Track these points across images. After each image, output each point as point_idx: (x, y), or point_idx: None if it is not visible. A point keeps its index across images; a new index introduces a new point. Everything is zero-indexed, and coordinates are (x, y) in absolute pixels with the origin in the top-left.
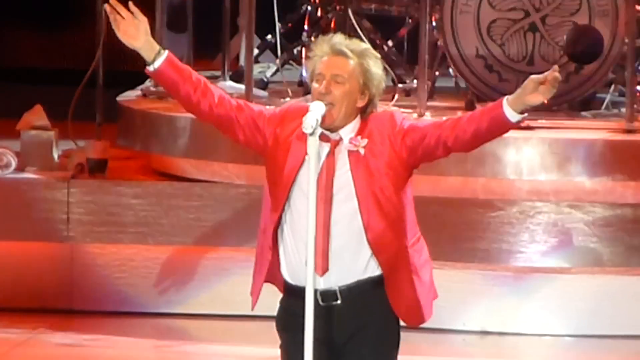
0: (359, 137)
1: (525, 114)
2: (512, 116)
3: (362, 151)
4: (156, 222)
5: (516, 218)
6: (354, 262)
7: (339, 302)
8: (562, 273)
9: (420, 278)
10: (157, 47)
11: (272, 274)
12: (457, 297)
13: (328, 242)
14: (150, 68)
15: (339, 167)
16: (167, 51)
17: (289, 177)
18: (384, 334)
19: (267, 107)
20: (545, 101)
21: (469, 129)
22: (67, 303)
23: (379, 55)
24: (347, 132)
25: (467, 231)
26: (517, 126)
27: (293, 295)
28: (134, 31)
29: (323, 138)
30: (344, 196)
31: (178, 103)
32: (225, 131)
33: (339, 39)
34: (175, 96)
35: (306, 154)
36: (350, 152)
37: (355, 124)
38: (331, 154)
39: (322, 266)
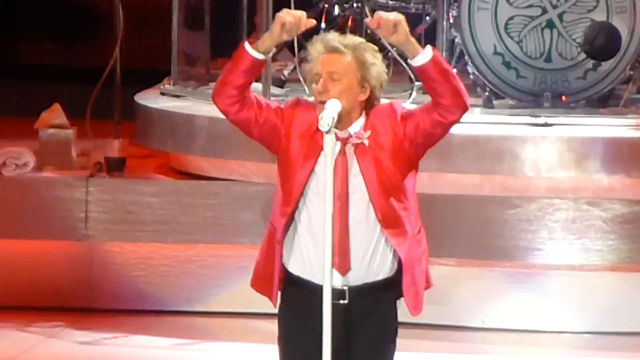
0: (361, 130)
1: (428, 46)
2: (421, 58)
3: (366, 142)
4: (174, 220)
5: (534, 215)
6: (371, 262)
7: (345, 301)
8: (581, 270)
9: (421, 267)
10: (272, 50)
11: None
12: (475, 295)
13: (348, 242)
14: (253, 53)
15: (351, 164)
16: (270, 55)
17: (304, 174)
18: (385, 335)
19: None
20: (402, 20)
21: (436, 96)
22: (86, 301)
23: (376, 47)
24: (355, 129)
25: (485, 228)
26: (438, 57)
27: (300, 288)
28: (290, 28)
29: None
30: (360, 193)
31: (220, 85)
32: (237, 126)
33: (332, 36)
34: (225, 80)
35: (321, 150)
36: (356, 146)
37: (362, 120)
38: (342, 152)
39: (345, 266)
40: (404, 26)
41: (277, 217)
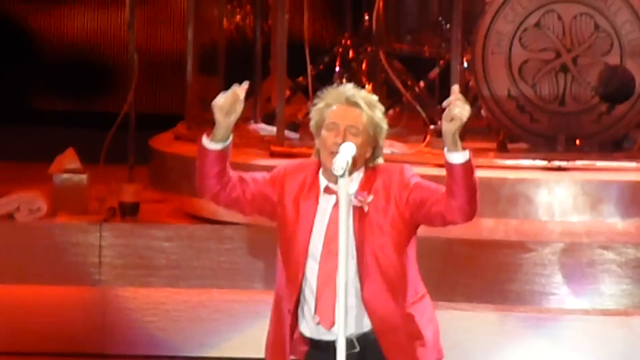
0: (365, 193)
1: (467, 151)
2: (455, 157)
3: (366, 208)
4: (188, 265)
5: (548, 259)
6: (361, 314)
7: (357, 349)
8: (595, 315)
9: (423, 338)
10: (230, 133)
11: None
12: (489, 339)
13: (334, 296)
14: (212, 146)
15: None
16: (231, 139)
17: (304, 240)
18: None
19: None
20: (464, 120)
21: (449, 194)
22: (99, 347)
23: (383, 108)
24: (354, 185)
25: (499, 273)
26: (470, 166)
27: (312, 347)
28: (231, 108)
29: (327, 191)
30: (350, 252)
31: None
32: (231, 209)
33: (351, 89)
34: (200, 174)
35: (316, 212)
36: (355, 208)
37: (359, 174)
38: (337, 206)
39: (330, 320)
40: (461, 122)
41: (283, 287)
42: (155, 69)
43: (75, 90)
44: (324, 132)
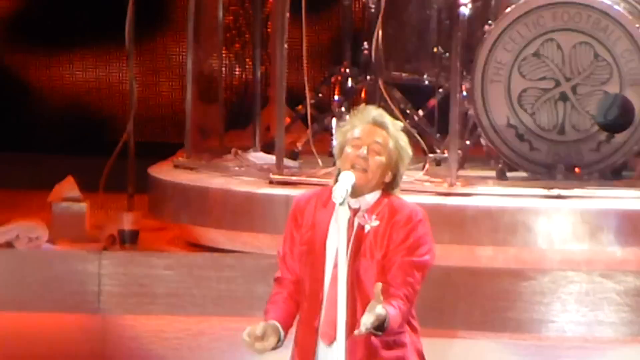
0: (373, 216)
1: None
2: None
3: (367, 228)
4: (187, 293)
5: (548, 287)
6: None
7: None
8: (594, 342)
9: None
10: (277, 327)
11: None
12: None
13: (335, 311)
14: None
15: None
16: (277, 323)
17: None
18: None
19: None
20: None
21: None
22: None
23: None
24: (366, 201)
25: (498, 301)
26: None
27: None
28: (273, 344)
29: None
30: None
31: None
32: None
33: (378, 111)
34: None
35: (329, 223)
36: (358, 225)
37: (375, 195)
38: (350, 223)
39: (330, 335)
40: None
41: (308, 308)
42: (156, 95)
43: (75, 116)
44: (347, 149)
